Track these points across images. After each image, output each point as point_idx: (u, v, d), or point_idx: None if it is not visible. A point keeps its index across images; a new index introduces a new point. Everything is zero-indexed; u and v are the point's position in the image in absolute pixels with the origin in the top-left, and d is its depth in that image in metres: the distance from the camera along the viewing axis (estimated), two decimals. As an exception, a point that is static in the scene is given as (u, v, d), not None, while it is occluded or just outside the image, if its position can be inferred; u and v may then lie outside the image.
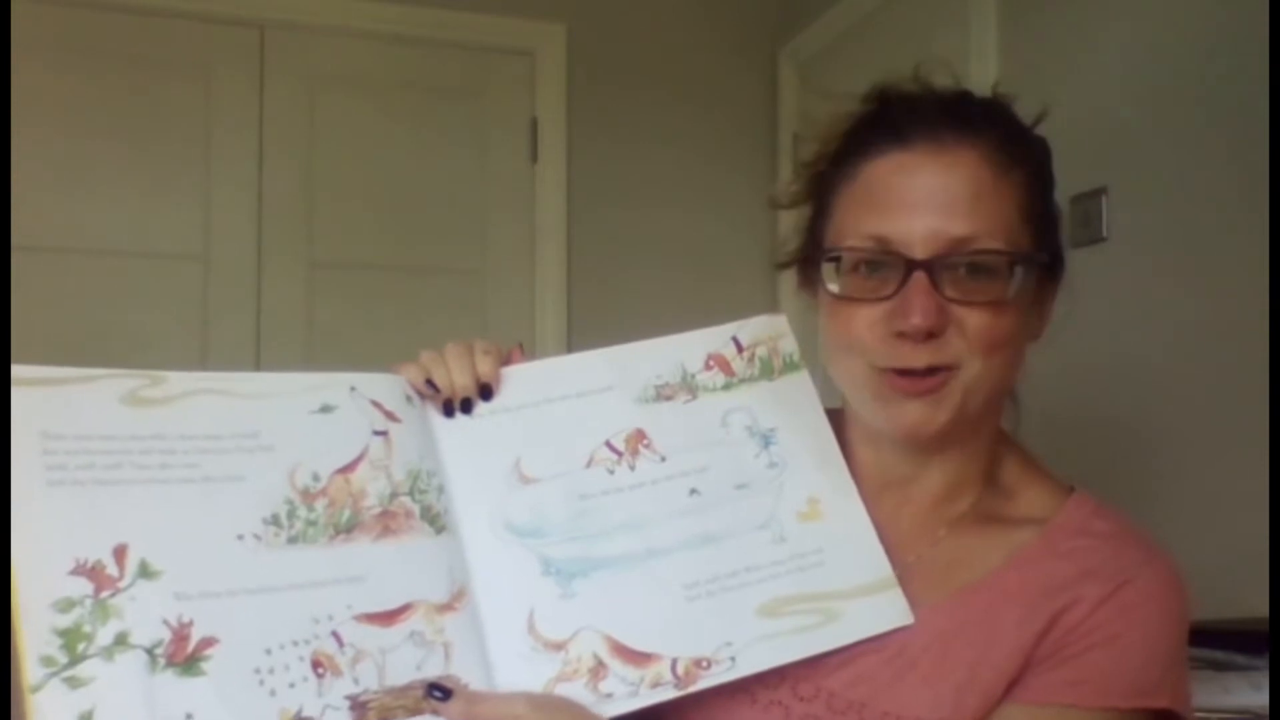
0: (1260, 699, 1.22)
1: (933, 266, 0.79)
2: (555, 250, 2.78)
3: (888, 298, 0.80)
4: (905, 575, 0.86)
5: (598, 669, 0.78)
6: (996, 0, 2.13)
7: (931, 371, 0.80)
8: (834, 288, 0.83)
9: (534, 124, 2.80)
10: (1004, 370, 0.83)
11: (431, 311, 2.66)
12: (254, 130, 2.62)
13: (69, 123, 2.48)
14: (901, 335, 0.80)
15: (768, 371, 0.92)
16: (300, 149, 2.66)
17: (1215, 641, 1.27)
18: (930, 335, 0.79)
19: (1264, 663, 1.25)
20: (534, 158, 2.80)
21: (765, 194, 2.89)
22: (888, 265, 0.81)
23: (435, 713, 0.74)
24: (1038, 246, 0.84)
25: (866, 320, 0.81)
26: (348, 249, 2.68)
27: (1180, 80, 1.72)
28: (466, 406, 0.85)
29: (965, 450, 0.88)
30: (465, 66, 2.77)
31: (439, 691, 0.74)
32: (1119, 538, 0.84)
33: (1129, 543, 0.84)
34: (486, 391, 0.85)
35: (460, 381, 0.84)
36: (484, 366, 0.85)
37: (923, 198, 0.80)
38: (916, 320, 0.78)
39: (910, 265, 0.79)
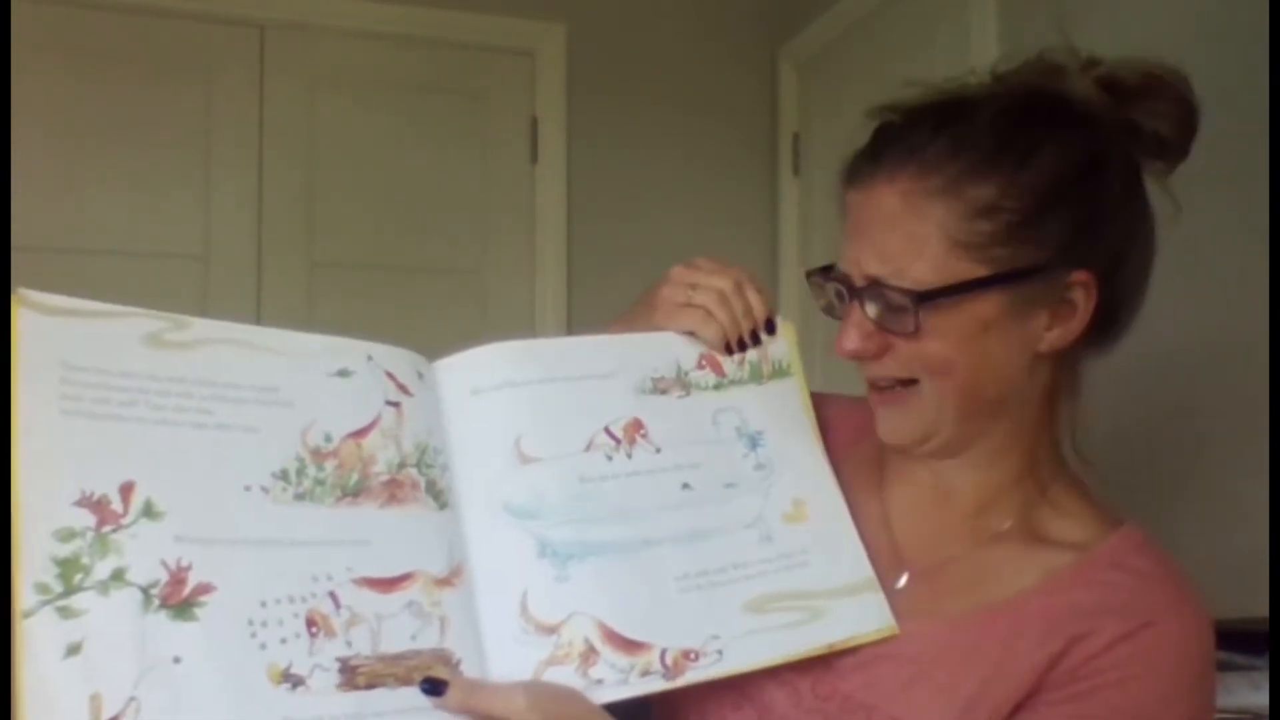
0: (1260, 699, 1.22)
1: (861, 296, 0.83)
2: (555, 250, 2.78)
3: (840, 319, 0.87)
4: (930, 575, 0.86)
5: (588, 654, 0.78)
6: (996, 0, 2.13)
7: (902, 384, 0.84)
8: (822, 304, 0.90)
9: (534, 124, 2.80)
10: (968, 386, 0.83)
11: (431, 311, 2.66)
12: (254, 130, 2.62)
13: (69, 123, 2.47)
14: None
15: (756, 376, 0.93)
16: (300, 149, 2.65)
17: (1216, 641, 1.27)
18: (866, 357, 0.84)
19: (1264, 663, 1.25)
20: (534, 158, 2.80)
21: (764, 193, 2.91)
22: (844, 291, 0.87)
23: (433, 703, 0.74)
24: (1005, 263, 0.79)
25: None
26: (348, 249, 2.68)
27: (1180, 80, 1.72)
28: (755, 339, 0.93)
29: (987, 460, 0.87)
30: (465, 66, 2.76)
31: (429, 685, 0.73)
32: (1152, 578, 0.82)
33: (1160, 584, 0.81)
34: (770, 325, 0.93)
35: (745, 325, 0.92)
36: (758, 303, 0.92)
37: (854, 232, 0.84)
38: (842, 345, 0.85)
39: (850, 293, 0.85)
